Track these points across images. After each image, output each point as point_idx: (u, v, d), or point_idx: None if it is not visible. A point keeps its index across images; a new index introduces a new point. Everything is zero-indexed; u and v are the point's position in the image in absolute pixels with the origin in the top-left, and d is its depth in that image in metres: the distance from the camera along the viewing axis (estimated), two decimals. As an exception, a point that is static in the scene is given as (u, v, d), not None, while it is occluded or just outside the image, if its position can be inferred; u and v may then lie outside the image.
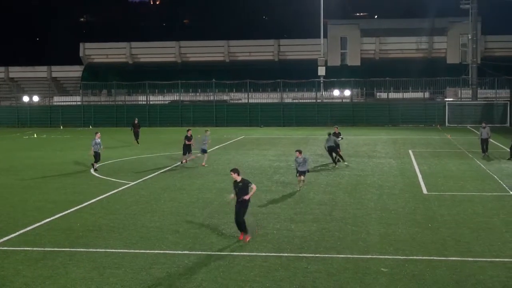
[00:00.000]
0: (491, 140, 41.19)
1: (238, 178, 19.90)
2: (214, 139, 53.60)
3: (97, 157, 35.61)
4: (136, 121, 52.86)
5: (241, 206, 19.61)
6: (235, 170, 20.06)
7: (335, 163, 36.54)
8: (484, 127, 40.58)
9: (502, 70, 74.24)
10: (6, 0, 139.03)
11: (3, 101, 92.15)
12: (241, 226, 19.66)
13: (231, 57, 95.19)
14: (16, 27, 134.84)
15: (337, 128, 40.00)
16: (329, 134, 36.62)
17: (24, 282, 16.03)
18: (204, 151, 37.34)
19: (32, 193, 28.88)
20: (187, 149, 37.10)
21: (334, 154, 36.57)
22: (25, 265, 17.44)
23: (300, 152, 28.26)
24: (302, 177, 28.11)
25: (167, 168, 36.27)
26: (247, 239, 19.51)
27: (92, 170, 35.23)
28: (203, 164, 36.77)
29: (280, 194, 27.81)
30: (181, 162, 37.30)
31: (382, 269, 16.81)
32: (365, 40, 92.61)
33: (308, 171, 28.50)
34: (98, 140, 35.54)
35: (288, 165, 36.96)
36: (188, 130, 38.36)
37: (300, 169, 28.11)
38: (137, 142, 51.30)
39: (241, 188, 19.78)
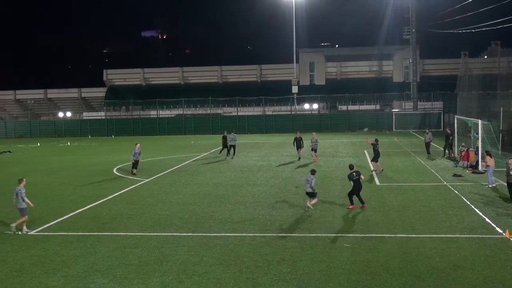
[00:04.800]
0: (432, 143, 40.91)
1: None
2: (210, 145, 53.55)
3: (136, 164, 33.21)
4: (225, 133, 42.58)
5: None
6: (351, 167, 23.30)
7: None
8: (427, 132, 40.30)
9: (437, 87, 74.63)
10: (44, 37, 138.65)
11: (43, 116, 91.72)
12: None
13: (223, 79, 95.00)
14: (52, 58, 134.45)
15: (298, 133, 40.19)
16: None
17: (61, 260, 15.97)
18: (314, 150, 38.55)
19: (66, 189, 28.74)
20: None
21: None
22: (61, 246, 17.38)
23: None
24: None
25: (174, 168, 36.17)
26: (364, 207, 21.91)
27: (131, 173, 33.11)
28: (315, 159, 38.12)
29: (263, 186, 27.80)
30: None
31: (345, 244, 16.86)
32: (329, 64, 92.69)
33: None
34: (138, 150, 33.17)
35: (268, 164, 36.99)
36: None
37: None
38: (228, 156, 41.18)
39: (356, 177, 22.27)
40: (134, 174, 32.98)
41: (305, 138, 40.90)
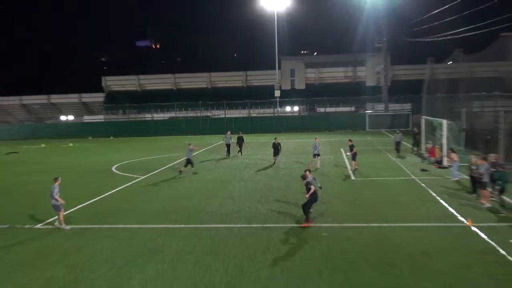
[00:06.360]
0: (402, 142, 41.00)
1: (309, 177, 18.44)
2: (200, 144, 53.35)
3: (188, 162, 30.75)
4: (240, 133, 43.64)
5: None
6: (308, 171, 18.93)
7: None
8: (398, 133, 40.47)
9: (406, 90, 75.02)
10: (49, 46, 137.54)
11: (47, 120, 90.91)
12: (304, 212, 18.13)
13: (212, 84, 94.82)
14: (55, 66, 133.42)
15: (277, 138, 36.80)
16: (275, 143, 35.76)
17: (63, 252, 15.82)
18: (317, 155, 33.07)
19: (68, 187, 28.41)
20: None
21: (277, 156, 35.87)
22: (63, 239, 17.22)
23: None
24: None
25: (167, 166, 35.99)
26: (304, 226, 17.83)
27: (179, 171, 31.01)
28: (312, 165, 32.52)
29: (249, 182, 27.74)
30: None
31: (323, 233, 16.87)
32: (308, 71, 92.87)
33: None
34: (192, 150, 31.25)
35: (254, 162, 36.93)
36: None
37: None
38: (239, 152, 41.43)
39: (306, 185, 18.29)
40: (180, 172, 30.79)
41: (286, 139, 40.84)
